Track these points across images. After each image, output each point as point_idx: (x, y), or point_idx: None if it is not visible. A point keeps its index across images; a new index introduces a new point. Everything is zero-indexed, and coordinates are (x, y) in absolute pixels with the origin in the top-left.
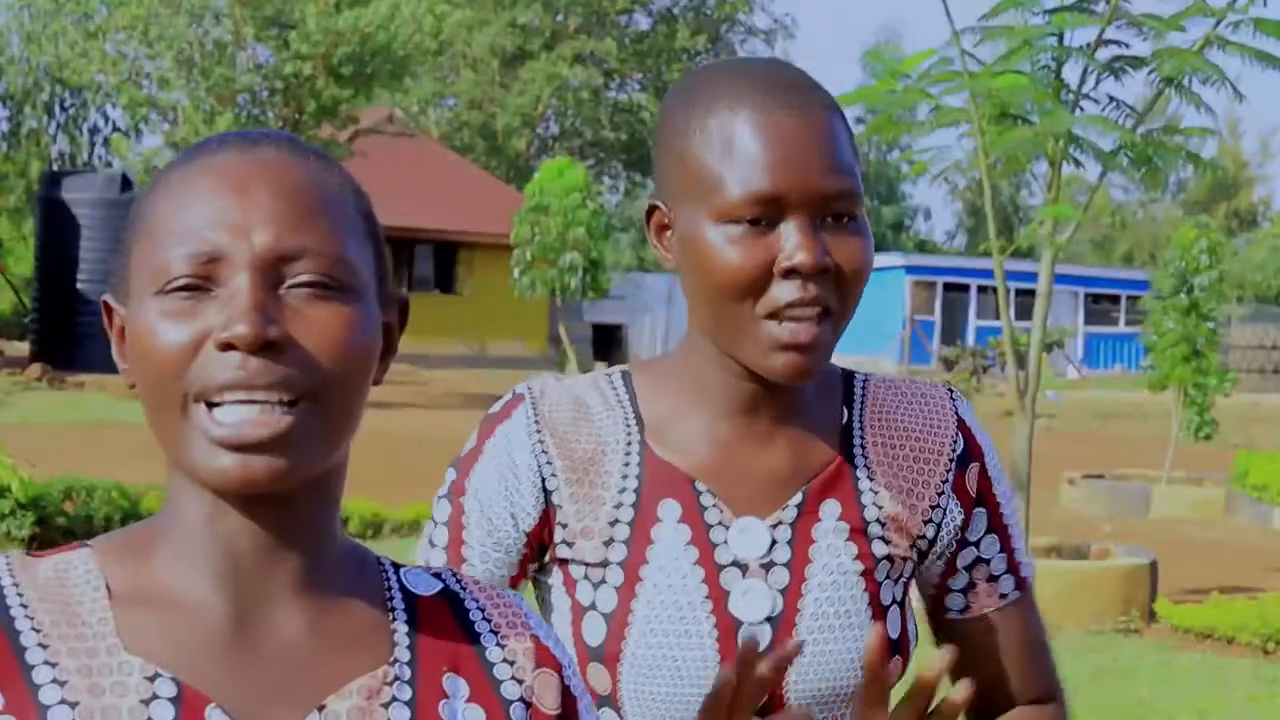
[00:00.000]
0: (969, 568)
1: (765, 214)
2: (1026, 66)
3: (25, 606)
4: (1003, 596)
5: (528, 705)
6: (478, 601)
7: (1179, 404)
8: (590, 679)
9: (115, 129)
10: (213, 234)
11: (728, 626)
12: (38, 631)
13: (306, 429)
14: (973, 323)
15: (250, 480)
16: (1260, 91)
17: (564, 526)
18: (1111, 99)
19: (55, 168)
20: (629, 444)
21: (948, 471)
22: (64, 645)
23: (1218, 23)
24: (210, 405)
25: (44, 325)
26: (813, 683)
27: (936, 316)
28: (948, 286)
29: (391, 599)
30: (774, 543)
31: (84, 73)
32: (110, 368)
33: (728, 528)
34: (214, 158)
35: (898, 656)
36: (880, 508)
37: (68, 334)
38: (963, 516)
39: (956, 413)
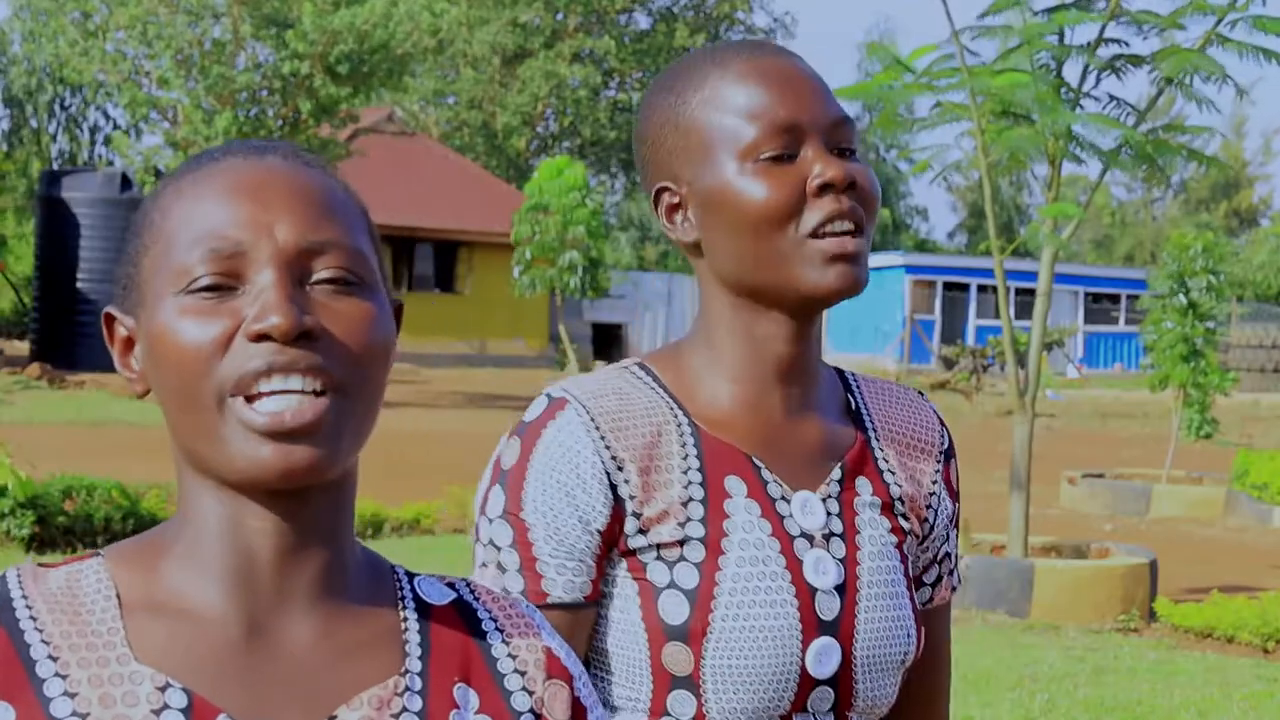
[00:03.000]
0: (940, 561)
1: (786, 144)
2: (1027, 65)
3: (35, 619)
4: (953, 590)
5: (537, 716)
6: (490, 612)
7: (1179, 403)
8: (666, 660)
9: (116, 127)
10: (235, 231)
11: (805, 595)
12: (47, 644)
13: (338, 420)
14: (973, 322)
15: (290, 470)
16: (1263, 91)
17: (637, 516)
18: (1112, 97)
19: (56, 167)
20: (679, 425)
21: (939, 463)
22: (74, 656)
23: (1218, 20)
24: (249, 399)
25: (44, 324)
26: (877, 648)
27: (936, 315)
28: (948, 285)
29: (404, 608)
30: (829, 515)
31: (84, 72)
32: (110, 367)
33: (789, 501)
34: (221, 164)
35: (922, 626)
36: (900, 486)
37: (68, 333)
38: (951, 508)
39: (934, 411)
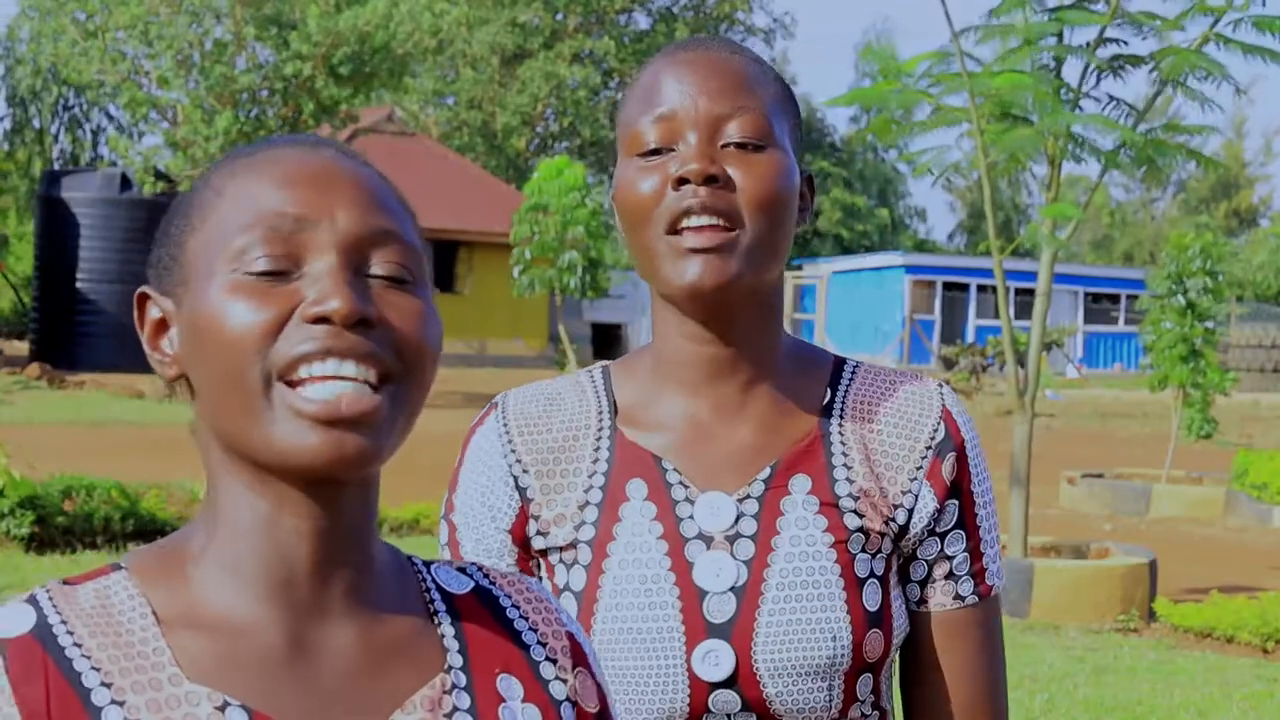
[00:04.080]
0: (930, 561)
1: (663, 136)
2: (1027, 66)
3: (79, 645)
4: (959, 598)
5: (574, 704)
6: (511, 598)
7: (1178, 403)
8: None
9: (120, 128)
10: (296, 210)
11: (692, 597)
12: (97, 670)
13: (390, 413)
14: (972, 322)
15: (341, 459)
16: (1263, 90)
17: (537, 518)
18: (1112, 98)
19: (57, 167)
20: (600, 430)
21: (923, 458)
22: (127, 681)
23: (1216, 20)
24: (293, 384)
25: (43, 324)
26: (782, 652)
27: (936, 315)
28: (947, 285)
29: (432, 601)
30: (740, 515)
31: (84, 72)
32: (110, 366)
33: (693, 502)
34: (278, 150)
35: (877, 630)
36: (852, 482)
37: (67, 333)
38: (935, 505)
39: (943, 403)
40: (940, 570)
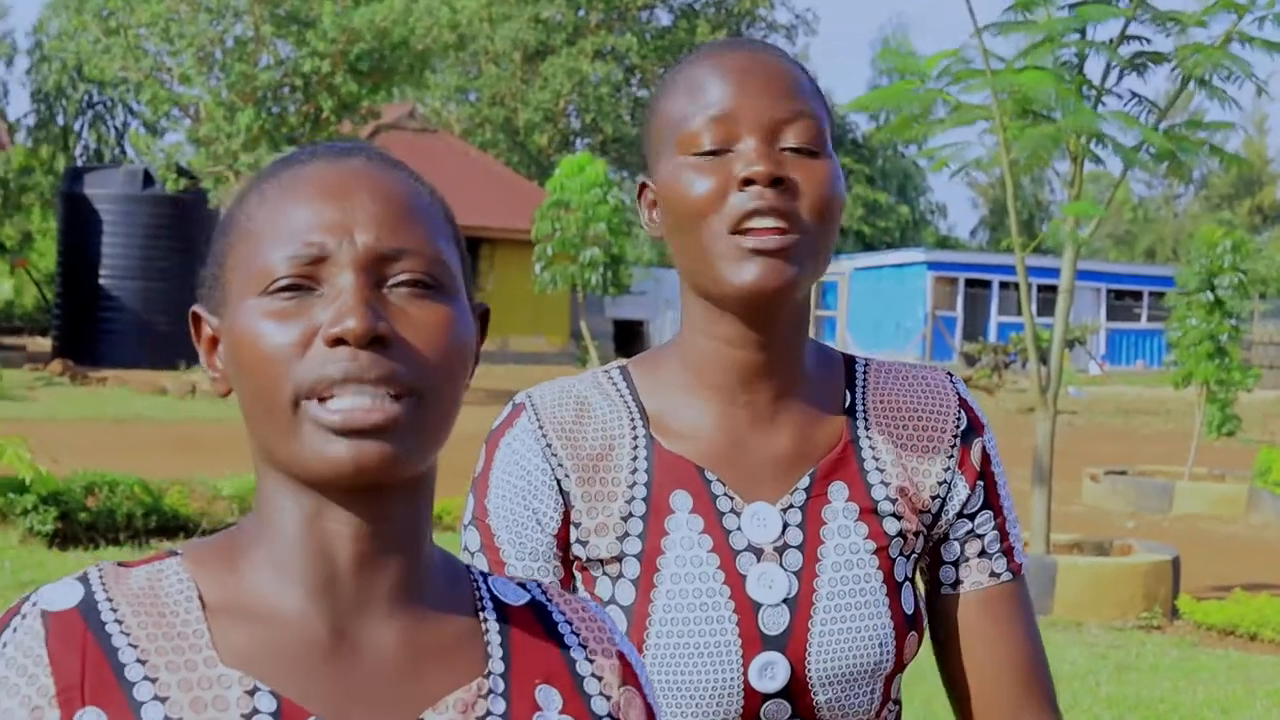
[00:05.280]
0: (962, 540)
1: (722, 137)
2: (1049, 62)
3: (120, 622)
4: (994, 575)
5: None
6: (564, 614)
7: (1201, 400)
8: None
9: (145, 126)
10: (316, 235)
11: (747, 610)
12: (135, 647)
13: (412, 421)
14: (994, 318)
15: (363, 467)
16: None
17: (577, 525)
18: (1134, 95)
19: (81, 163)
20: (635, 438)
21: (953, 447)
22: (162, 660)
23: (1240, 17)
24: (321, 399)
25: (66, 321)
26: (834, 660)
27: (958, 312)
28: (969, 282)
29: (483, 608)
30: (786, 526)
31: (106, 69)
32: (132, 363)
33: (739, 514)
34: (307, 167)
35: (914, 632)
36: (888, 485)
37: (90, 330)
38: (967, 491)
39: (957, 392)
40: (973, 549)
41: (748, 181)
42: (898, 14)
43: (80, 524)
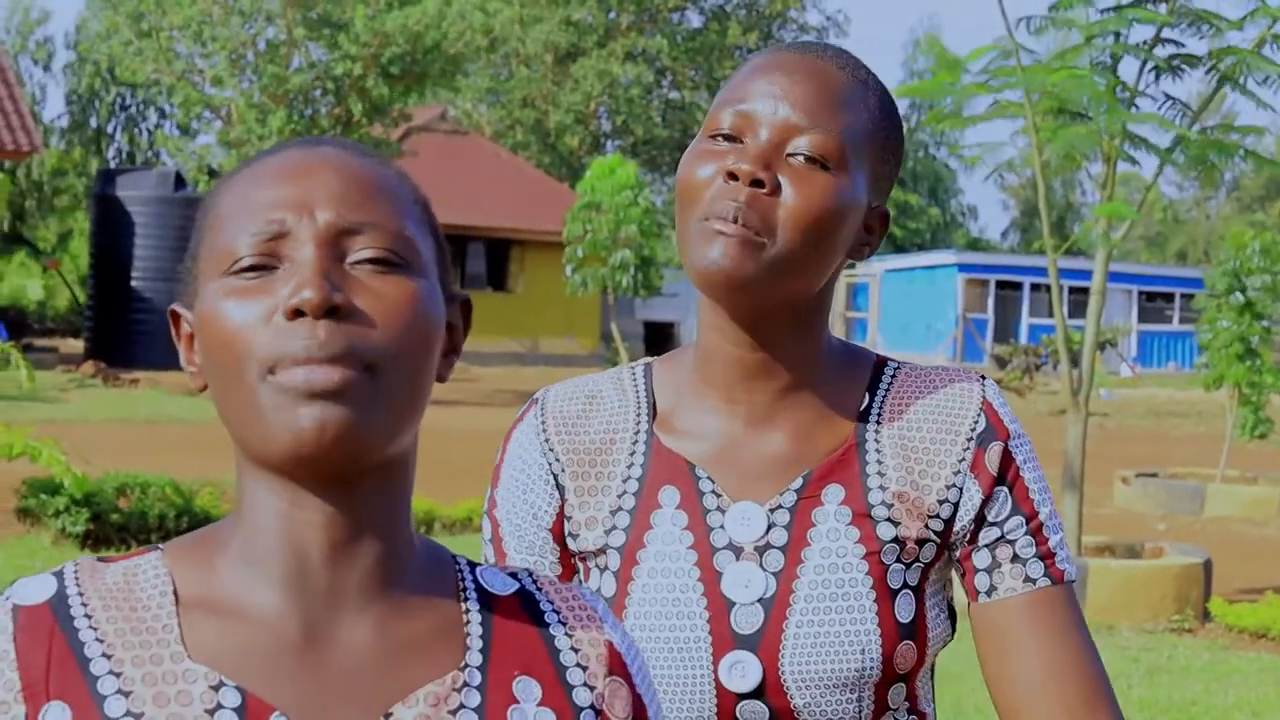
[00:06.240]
0: (991, 545)
1: (737, 127)
2: (1084, 63)
3: (89, 616)
4: (1029, 580)
5: (598, 713)
6: (553, 603)
7: (1233, 402)
8: None
9: (178, 128)
10: (276, 213)
11: (720, 608)
12: (101, 641)
13: (373, 390)
14: (1025, 320)
15: (322, 432)
16: None
17: (569, 518)
18: (1168, 97)
19: (114, 165)
20: (637, 433)
21: (965, 450)
22: (128, 654)
23: (1275, 21)
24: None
25: (98, 322)
26: (810, 664)
27: (989, 314)
28: (1000, 284)
29: (465, 599)
30: (771, 526)
31: (139, 71)
32: (164, 364)
33: (724, 512)
34: (275, 156)
35: (909, 641)
36: (885, 489)
37: (122, 331)
38: (982, 496)
39: (983, 395)
40: (1004, 554)
41: (732, 175)
42: (929, 15)
43: (112, 525)
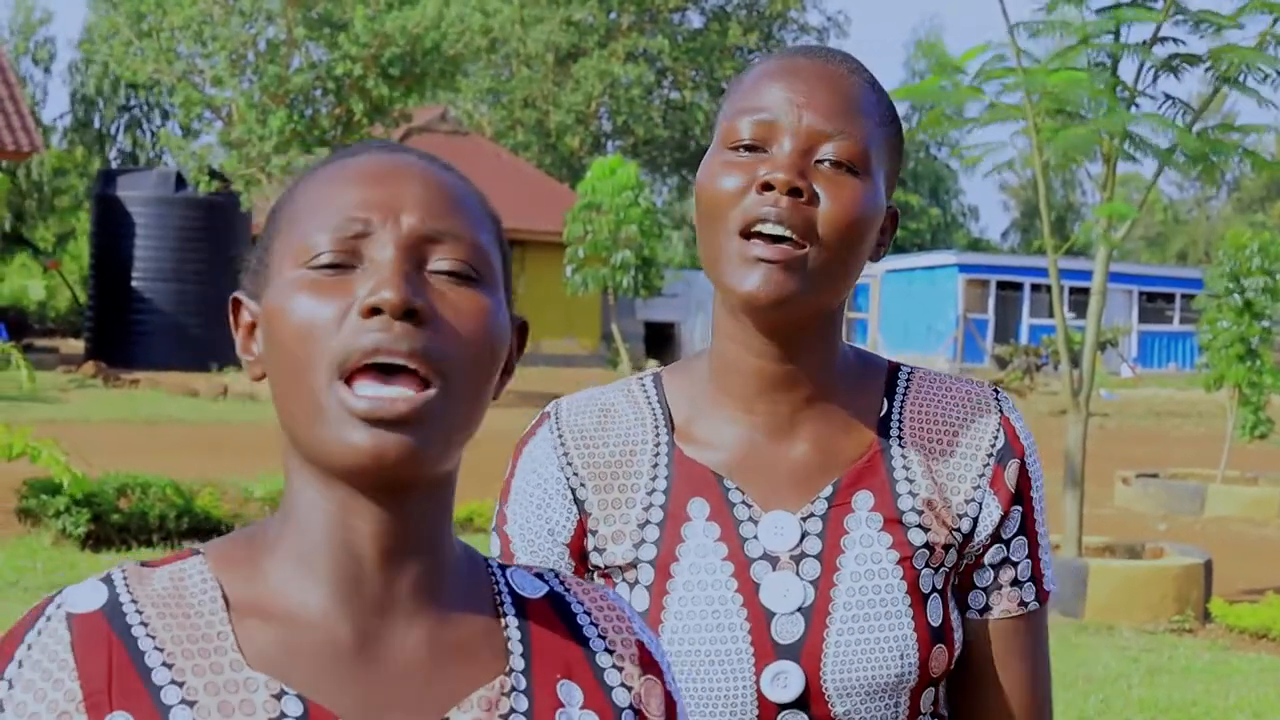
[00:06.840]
0: (996, 566)
1: (760, 136)
2: (1082, 63)
3: (145, 624)
4: (1023, 604)
5: (637, 713)
6: (583, 605)
7: (1234, 403)
8: None
9: (180, 129)
10: (361, 212)
11: (760, 618)
12: (160, 650)
13: (437, 412)
14: (1026, 321)
15: (382, 458)
16: None
17: (594, 533)
18: (1167, 96)
19: (116, 166)
20: (657, 445)
21: (985, 466)
22: (188, 663)
23: (1276, 19)
24: (349, 381)
25: (99, 323)
26: (851, 671)
27: (990, 314)
28: (1001, 284)
29: (502, 604)
30: (805, 535)
31: (139, 71)
32: (164, 365)
33: (756, 522)
34: (357, 158)
35: (941, 645)
36: (915, 495)
37: (122, 331)
38: (1000, 513)
39: (1000, 409)
40: (1006, 576)
41: (767, 186)
42: (930, 16)
43: (113, 526)
